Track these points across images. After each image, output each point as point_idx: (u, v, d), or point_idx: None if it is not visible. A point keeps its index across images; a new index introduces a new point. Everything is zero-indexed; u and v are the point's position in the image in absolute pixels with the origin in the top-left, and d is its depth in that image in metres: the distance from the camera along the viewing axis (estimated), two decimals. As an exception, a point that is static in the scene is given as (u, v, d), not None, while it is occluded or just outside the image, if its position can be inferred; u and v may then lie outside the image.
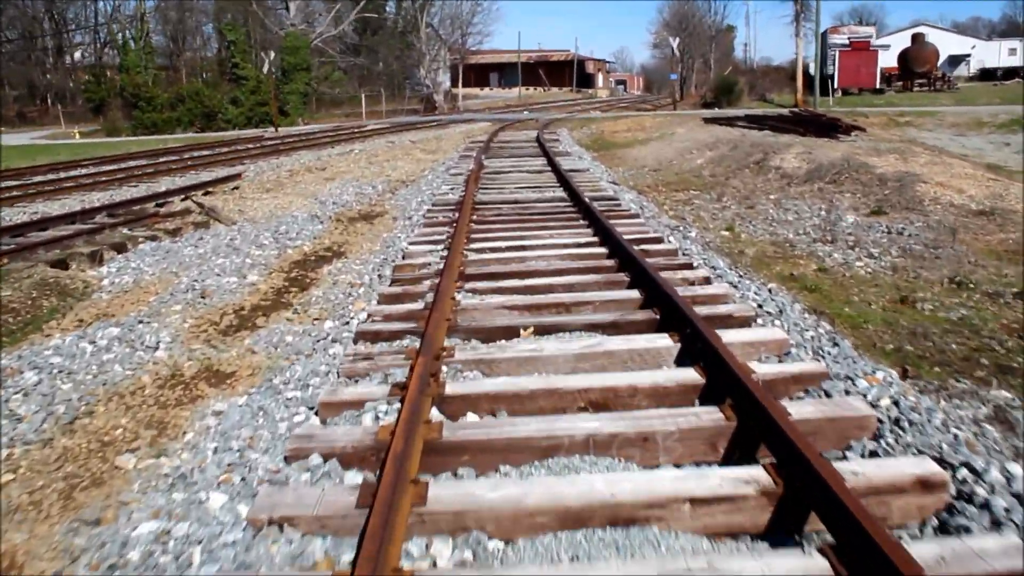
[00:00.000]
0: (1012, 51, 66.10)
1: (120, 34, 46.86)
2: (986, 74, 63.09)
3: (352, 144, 24.86)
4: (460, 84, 62.61)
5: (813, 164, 12.74)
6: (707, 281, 6.44)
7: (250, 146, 25.85)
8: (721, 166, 14.88)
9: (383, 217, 11.40)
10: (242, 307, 6.78)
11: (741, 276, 6.88)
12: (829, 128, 17.92)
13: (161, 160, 21.96)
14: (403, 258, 7.87)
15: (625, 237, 7.55)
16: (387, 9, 65.63)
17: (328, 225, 10.76)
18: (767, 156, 14.04)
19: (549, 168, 14.85)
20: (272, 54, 36.79)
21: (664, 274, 6.15)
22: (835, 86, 45.82)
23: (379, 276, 7.40)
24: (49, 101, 62.14)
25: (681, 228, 9.31)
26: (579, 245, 7.94)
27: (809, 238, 8.88)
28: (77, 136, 46.39)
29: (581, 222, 9.20)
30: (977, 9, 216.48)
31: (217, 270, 8.15)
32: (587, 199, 10.11)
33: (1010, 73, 61.55)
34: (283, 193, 14.06)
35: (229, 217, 11.36)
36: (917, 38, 52.28)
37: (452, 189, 12.82)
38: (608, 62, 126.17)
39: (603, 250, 7.52)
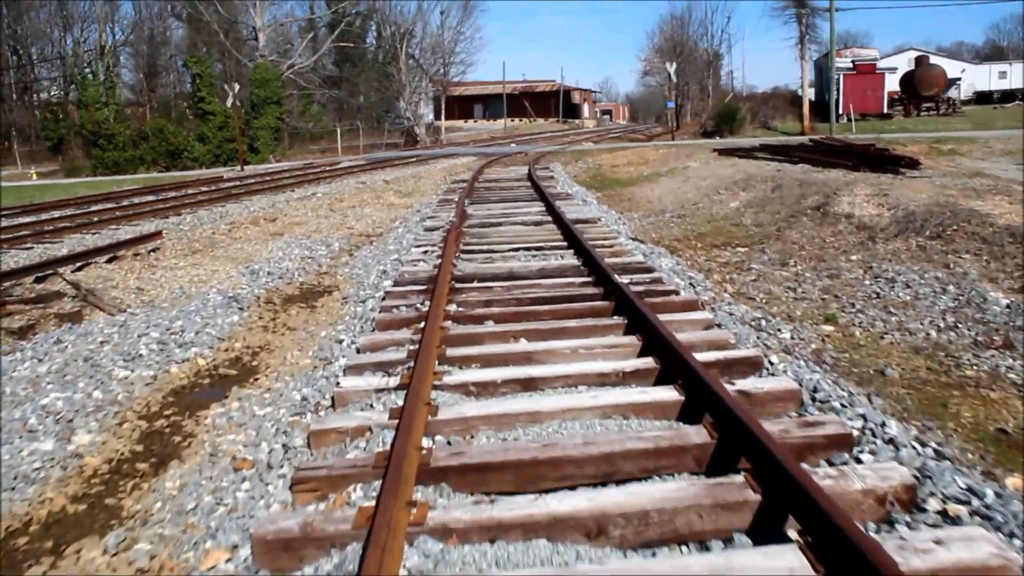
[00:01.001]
0: (1002, 74, 64.95)
1: (81, 69, 43.75)
2: (983, 97, 61.40)
3: (317, 186, 21.81)
4: (443, 116, 59.78)
5: (898, 211, 9.73)
6: (911, 496, 3.29)
7: (203, 189, 22.79)
8: (765, 212, 11.87)
9: (330, 297, 8.32)
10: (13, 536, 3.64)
11: (921, 443, 3.82)
12: (881, 160, 14.95)
13: (93, 209, 18.82)
14: (333, 406, 4.75)
15: (698, 356, 4.49)
16: (366, 41, 62.91)
17: (250, 314, 7.63)
18: (828, 199, 11.03)
19: (549, 218, 11.89)
20: (236, 86, 33.73)
21: (825, 481, 3.07)
22: (839, 111, 43.19)
23: (284, 447, 4.27)
24: (14, 141, 59.00)
25: (763, 322, 6.23)
26: (624, 378, 4.80)
27: (961, 337, 5.82)
28: (34, 177, 43.32)
29: (614, 319, 6.07)
30: (960, 34, 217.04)
31: (36, 418, 5.00)
32: (609, 269, 7.07)
33: (1007, 96, 60.04)
34: (210, 257, 10.95)
35: (116, 302, 8.21)
36: (921, 60, 49.94)
37: (425, 253, 9.80)
38: (594, 92, 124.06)
39: (672, 396, 4.36)
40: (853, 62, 44.79)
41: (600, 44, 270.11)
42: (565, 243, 9.68)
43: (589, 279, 7.49)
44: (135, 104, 52.68)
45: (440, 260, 8.55)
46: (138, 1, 57.20)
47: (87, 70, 43.02)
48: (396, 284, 7.85)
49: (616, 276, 6.84)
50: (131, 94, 54.30)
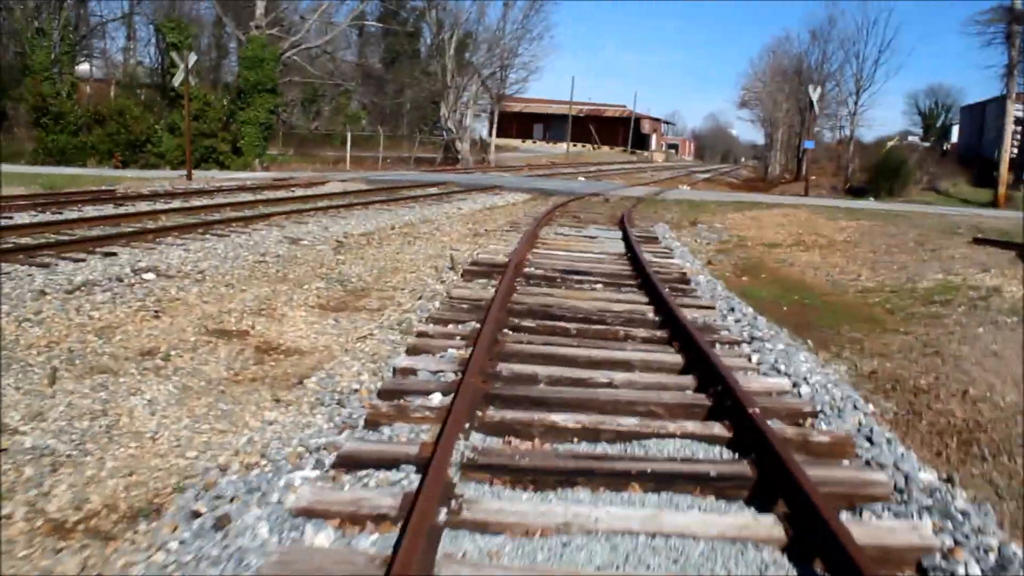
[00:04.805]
0: None
1: (29, 25, 33.47)
2: None
3: (190, 240, 10.78)
4: (494, 132, 48.69)
5: None
6: None
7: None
8: None
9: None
10: None
11: None
12: None
13: None
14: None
15: None
16: (420, 41, 51.89)
17: None
18: None
19: None
20: (192, 56, 23.01)
21: None
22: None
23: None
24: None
25: None
26: None
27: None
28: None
29: None
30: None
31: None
32: None
33: None
34: None
35: None
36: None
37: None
38: (666, 122, 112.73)
39: None
40: (1052, 112, 32.92)
41: (670, 75, 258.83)
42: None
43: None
44: (103, 81, 42.30)
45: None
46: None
47: (35, 26, 32.73)
48: None
49: None
50: (101, 69, 43.79)
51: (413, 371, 5.08)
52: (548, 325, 6.38)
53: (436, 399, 4.53)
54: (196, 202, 15.90)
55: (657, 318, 6.88)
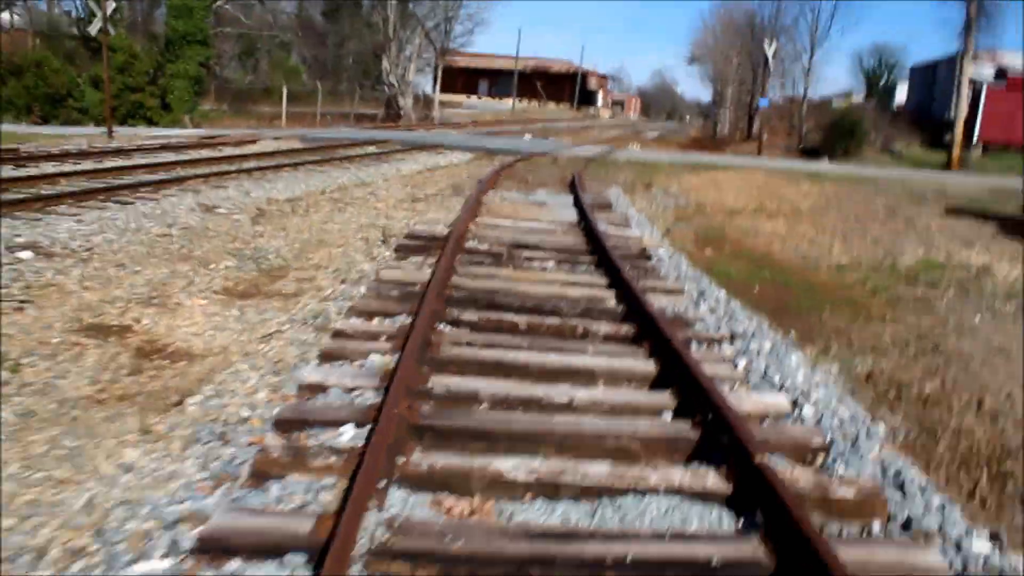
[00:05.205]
0: None
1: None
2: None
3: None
4: (438, 87, 47.05)
5: None
6: None
7: None
8: None
9: None
10: None
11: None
12: None
13: None
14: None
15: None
16: None
17: None
18: None
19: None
20: (111, 3, 21.18)
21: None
22: (974, 140, 31.03)
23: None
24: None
25: None
26: None
27: None
28: None
29: None
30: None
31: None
32: None
33: None
34: None
35: None
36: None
37: None
38: (613, 78, 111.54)
39: None
40: (1003, 72, 32.47)
41: (616, 31, 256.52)
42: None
43: None
44: (22, 31, 39.68)
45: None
46: None
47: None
48: None
49: None
50: (24, 19, 41.05)
51: (323, 388, 4.03)
52: (493, 319, 5.35)
53: (347, 435, 3.49)
54: (110, 163, 14.47)
55: (620, 307, 5.90)
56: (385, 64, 40.01)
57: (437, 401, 3.93)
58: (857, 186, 16.20)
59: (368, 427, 3.47)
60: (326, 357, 4.52)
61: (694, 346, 5.15)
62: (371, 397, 3.90)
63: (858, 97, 55.67)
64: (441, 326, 5.16)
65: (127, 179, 11.69)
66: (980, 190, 16.51)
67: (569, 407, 3.98)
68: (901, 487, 3.35)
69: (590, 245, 8.36)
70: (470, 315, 5.39)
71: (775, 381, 4.55)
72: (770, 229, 11.48)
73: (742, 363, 4.82)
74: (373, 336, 4.86)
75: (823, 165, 23.76)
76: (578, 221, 10.13)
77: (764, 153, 27.61)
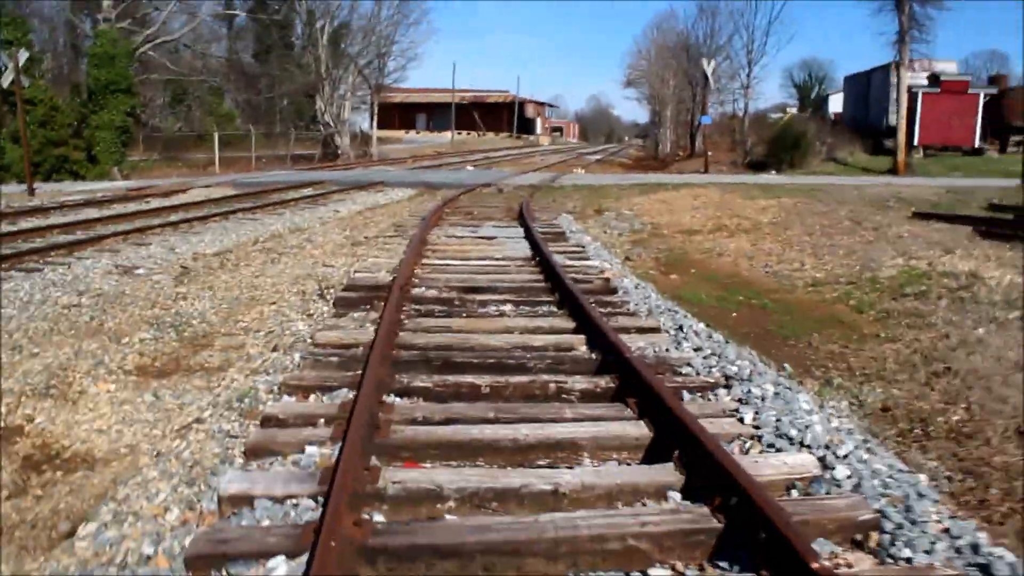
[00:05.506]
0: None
1: None
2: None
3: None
4: (374, 124, 46.23)
5: None
6: None
7: None
8: None
9: None
10: None
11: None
12: None
13: None
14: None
15: None
16: (294, 33, 48.45)
17: None
18: None
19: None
20: (23, 54, 20.10)
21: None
22: (913, 143, 31.20)
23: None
24: None
25: None
26: None
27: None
28: None
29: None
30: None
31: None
32: None
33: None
34: None
35: None
36: (999, 80, 38.39)
37: None
38: (550, 105, 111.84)
39: None
40: (936, 78, 32.71)
41: (552, 61, 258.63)
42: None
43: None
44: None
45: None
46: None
47: None
48: None
49: None
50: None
51: (248, 500, 3.20)
52: (449, 383, 4.58)
53: (279, 571, 2.67)
54: (24, 224, 13.45)
55: (593, 355, 5.17)
56: (319, 104, 39.14)
57: (391, 505, 3.14)
58: (812, 196, 15.77)
59: (305, 557, 2.67)
60: (253, 453, 3.70)
61: (686, 396, 4.45)
62: (308, 509, 3.10)
63: (792, 110, 56.44)
64: (390, 398, 4.37)
65: (38, 242, 10.71)
66: (935, 192, 16.22)
67: (555, 496, 3.22)
68: (987, 571, 2.65)
69: (548, 282, 7.64)
70: (422, 380, 4.61)
71: (791, 435, 3.85)
72: (734, 247, 10.90)
73: (748, 415, 4.11)
74: (309, 420, 4.05)
75: (772, 177, 23.47)
76: (531, 255, 9.42)
77: (711, 169, 27.30)
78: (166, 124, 44.95)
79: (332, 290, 7.42)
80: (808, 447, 3.71)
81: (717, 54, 33.90)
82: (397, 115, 79.19)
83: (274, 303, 7.22)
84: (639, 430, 3.88)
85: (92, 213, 14.79)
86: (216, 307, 7.14)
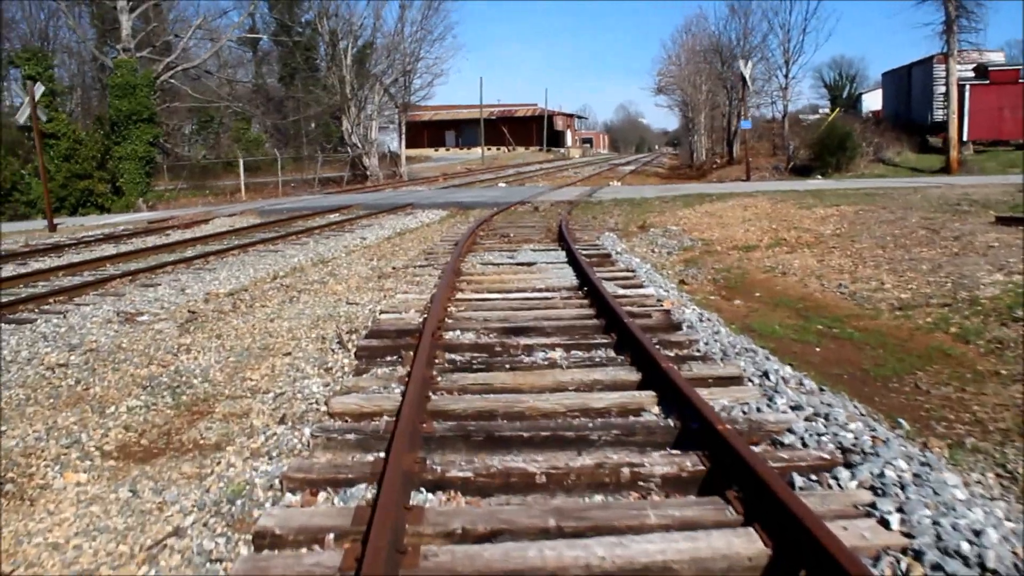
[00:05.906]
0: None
1: None
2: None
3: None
4: (403, 143, 45.56)
5: None
6: None
7: None
8: None
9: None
10: None
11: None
12: None
13: None
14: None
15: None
16: (318, 54, 47.96)
17: None
18: None
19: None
20: (39, 88, 19.56)
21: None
22: (964, 138, 29.73)
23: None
24: None
25: None
26: None
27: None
28: None
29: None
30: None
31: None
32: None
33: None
34: None
35: None
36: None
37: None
38: (579, 117, 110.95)
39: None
40: (984, 69, 31.28)
41: (579, 68, 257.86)
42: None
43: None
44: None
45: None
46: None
47: None
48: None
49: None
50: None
51: None
52: (495, 469, 3.61)
53: None
54: (35, 264, 12.77)
55: (670, 422, 4.17)
56: (346, 125, 38.50)
57: None
58: (872, 202, 14.62)
59: None
60: (236, 593, 2.74)
61: (798, 481, 3.43)
62: None
63: (824, 110, 54.96)
64: (419, 496, 3.40)
65: (40, 287, 9.92)
66: (1005, 191, 14.99)
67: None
68: None
69: (601, 317, 6.65)
70: (461, 467, 3.64)
71: (962, 550, 2.80)
72: (798, 264, 9.83)
73: (891, 514, 3.07)
74: (314, 537, 3.10)
75: (820, 182, 22.29)
76: (578, 283, 8.45)
77: (753, 176, 26.12)
78: (193, 152, 44.64)
79: (354, 335, 6.50)
80: (989, 572, 2.67)
81: (753, 54, 32.67)
82: (426, 133, 78.86)
83: (288, 353, 6.31)
84: (752, 544, 2.87)
85: (108, 250, 14.07)
86: (222, 361, 6.23)
